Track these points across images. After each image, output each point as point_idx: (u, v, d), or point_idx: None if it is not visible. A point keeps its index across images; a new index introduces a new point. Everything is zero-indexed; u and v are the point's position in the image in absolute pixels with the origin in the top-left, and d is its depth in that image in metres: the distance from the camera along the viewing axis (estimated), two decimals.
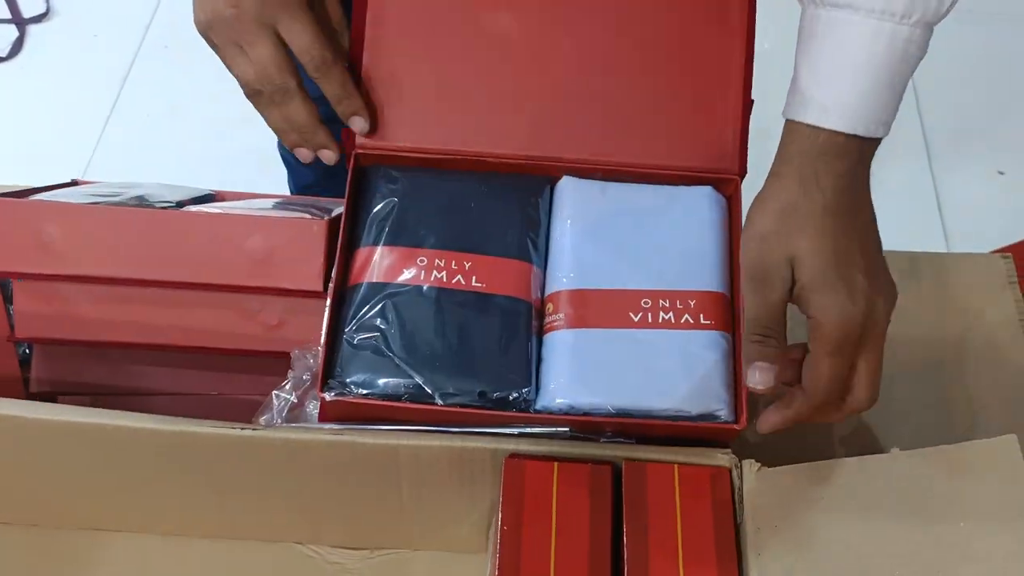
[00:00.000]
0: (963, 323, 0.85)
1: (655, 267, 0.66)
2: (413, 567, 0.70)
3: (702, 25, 0.70)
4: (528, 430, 0.62)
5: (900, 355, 0.81)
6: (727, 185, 0.70)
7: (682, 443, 0.62)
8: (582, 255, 0.67)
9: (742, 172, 0.69)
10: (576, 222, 0.68)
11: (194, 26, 0.65)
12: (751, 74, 0.70)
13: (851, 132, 0.57)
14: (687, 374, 0.63)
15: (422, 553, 0.71)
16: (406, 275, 0.65)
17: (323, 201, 0.85)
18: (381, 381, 0.62)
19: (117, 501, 0.70)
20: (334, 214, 0.74)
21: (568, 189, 0.69)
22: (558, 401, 0.62)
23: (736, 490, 0.60)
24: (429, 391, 0.62)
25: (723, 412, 0.62)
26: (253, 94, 0.66)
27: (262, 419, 0.68)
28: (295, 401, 0.68)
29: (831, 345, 0.56)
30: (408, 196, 0.68)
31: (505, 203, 0.69)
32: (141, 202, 0.78)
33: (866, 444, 0.78)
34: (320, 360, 0.63)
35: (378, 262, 0.66)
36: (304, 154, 0.70)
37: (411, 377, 0.62)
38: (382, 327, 0.63)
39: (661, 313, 0.64)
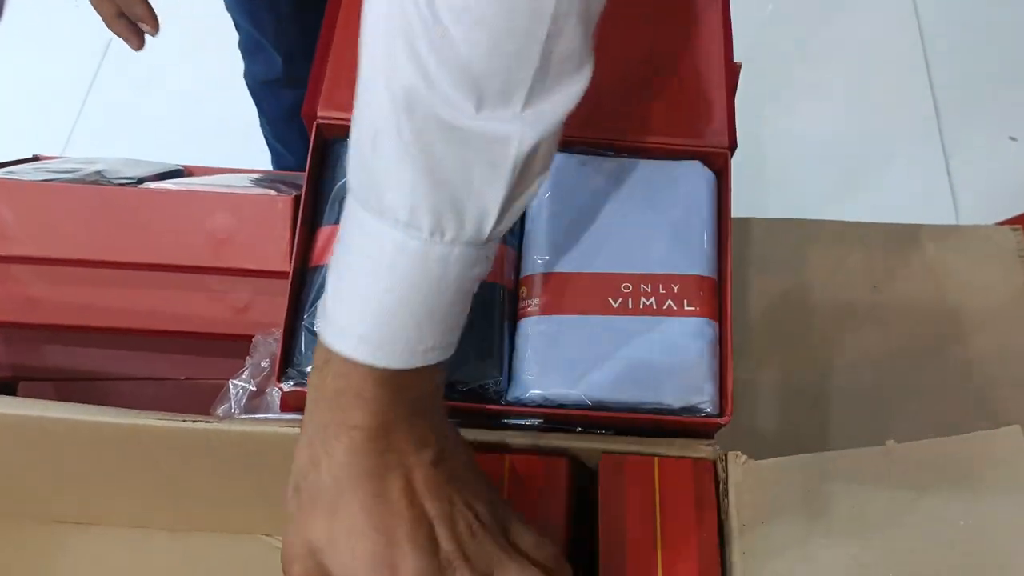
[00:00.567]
0: (969, 298, 0.81)
1: (637, 248, 0.62)
2: None
3: None
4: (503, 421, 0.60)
5: (901, 331, 0.80)
6: (716, 160, 0.65)
7: (663, 435, 0.59)
8: (558, 235, 0.62)
9: (732, 146, 0.65)
10: (553, 198, 0.63)
11: None
12: (731, 41, 0.66)
13: (371, 363, 0.44)
14: (669, 365, 0.59)
15: None
16: None
17: (293, 176, 0.82)
18: None
19: (76, 494, 0.67)
20: (302, 190, 0.70)
21: None
22: (531, 393, 0.59)
23: (721, 484, 0.56)
24: None
25: (707, 405, 0.58)
26: None
27: (219, 410, 0.66)
28: (254, 390, 0.66)
29: None
30: None
31: None
32: (99, 178, 0.75)
33: (864, 429, 0.75)
34: (278, 349, 0.59)
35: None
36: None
37: None
38: None
39: (642, 299, 0.60)
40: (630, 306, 0.60)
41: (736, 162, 0.65)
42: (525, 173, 0.43)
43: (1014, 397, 0.77)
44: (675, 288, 0.60)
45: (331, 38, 0.65)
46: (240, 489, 0.63)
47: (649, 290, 0.60)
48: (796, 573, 0.52)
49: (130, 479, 0.64)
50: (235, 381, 0.65)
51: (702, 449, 0.57)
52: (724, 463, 0.57)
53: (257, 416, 0.65)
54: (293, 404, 0.61)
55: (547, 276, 0.61)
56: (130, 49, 0.89)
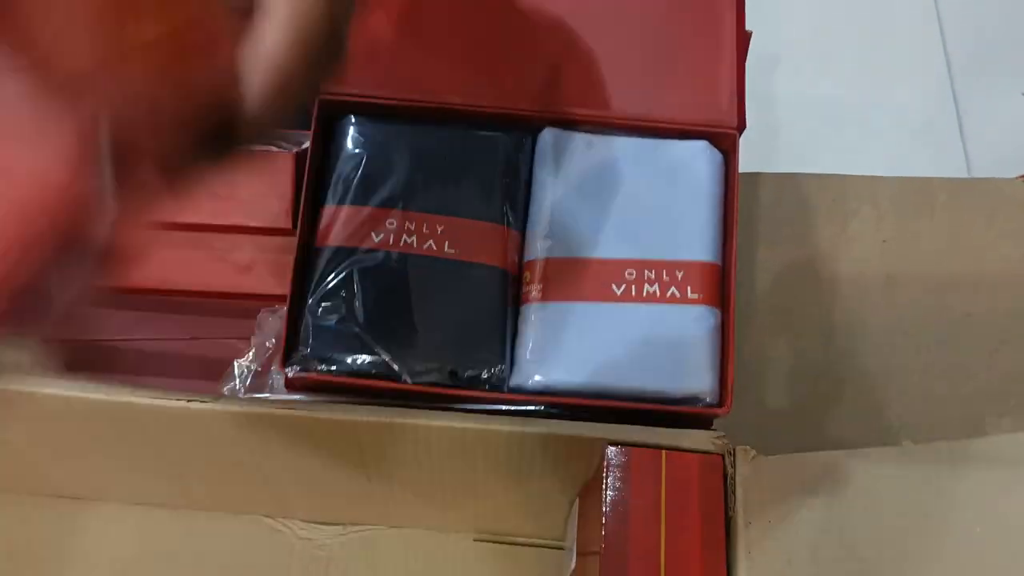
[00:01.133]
0: (983, 253, 0.79)
1: (643, 232, 0.61)
2: (389, 545, 0.67)
3: None
4: (500, 408, 0.58)
5: (912, 288, 0.78)
6: (724, 140, 0.63)
7: (663, 424, 0.58)
8: (563, 218, 0.61)
9: (740, 126, 0.62)
10: (558, 180, 0.62)
11: None
12: (744, 13, 0.64)
13: None
14: (671, 353, 0.58)
15: (400, 530, 0.67)
16: (373, 239, 0.60)
17: (292, 134, 0.76)
18: (346, 358, 0.58)
19: (73, 469, 0.67)
20: (303, 147, 0.69)
21: (550, 142, 0.63)
22: (532, 380, 0.58)
23: (728, 479, 0.55)
24: (397, 369, 0.58)
25: (707, 395, 0.58)
26: None
27: (225, 388, 0.65)
28: (259, 369, 0.65)
29: None
30: (377, 150, 0.62)
31: (483, 159, 0.63)
32: None
33: (873, 396, 0.74)
34: (282, 333, 0.59)
35: (344, 224, 0.61)
36: None
37: (377, 354, 0.58)
38: (347, 298, 0.59)
39: (646, 285, 0.59)
40: (633, 293, 0.59)
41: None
42: None
43: None
44: (679, 275, 0.59)
45: None
46: (239, 470, 0.63)
47: (653, 276, 0.59)
48: (803, 575, 0.51)
49: (128, 456, 0.63)
50: (240, 361, 0.65)
51: (711, 442, 0.55)
52: (732, 457, 0.55)
53: (260, 396, 0.63)
54: (298, 385, 0.60)
55: (550, 261, 0.60)
56: None
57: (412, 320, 0.59)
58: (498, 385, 0.59)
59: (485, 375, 0.58)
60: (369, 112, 0.63)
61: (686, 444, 0.55)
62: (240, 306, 0.75)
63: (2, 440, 0.64)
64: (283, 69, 0.37)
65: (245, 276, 0.71)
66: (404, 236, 0.60)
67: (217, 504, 0.67)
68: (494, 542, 0.68)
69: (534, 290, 0.60)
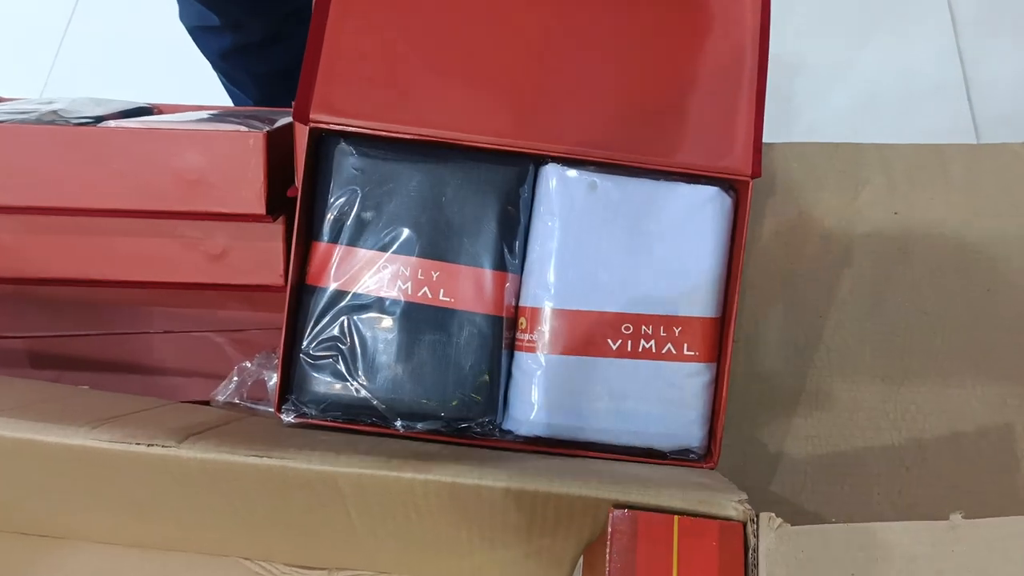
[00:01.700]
0: (998, 220, 0.77)
1: (643, 284, 0.60)
2: None
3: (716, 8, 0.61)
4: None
5: (925, 258, 0.75)
6: (736, 187, 0.61)
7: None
8: (564, 266, 0.60)
9: (755, 173, 0.59)
10: (560, 224, 0.60)
11: None
12: (767, 52, 0.61)
13: None
14: (663, 410, 0.59)
15: None
16: (368, 284, 0.59)
17: (265, 112, 0.77)
18: (339, 404, 0.58)
19: (38, 507, 0.62)
20: (276, 125, 0.67)
21: (554, 181, 0.60)
22: (523, 428, 0.59)
23: (750, 551, 0.49)
24: (389, 417, 0.58)
25: (697, 449, 0.59)
26: None
27: (220, 396, 0.65)
28: (236, 403, 0.63)
29: None
30: (372, 185, 0.60)
31: (482, 196, 0.60)
32: (55, 119, 0.67)
33: (887, 367, 0.72)
34: (277, 377, 0.59)
35: (337, 265, 0.59)
36: None
37: (370, 402, 0.58)
38: (341, 346, 0.58)
39: (642, 341, 0.59)
40: (629, 349, 0.59)
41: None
42: None
43: None
44: (676, 331, 0.59)
45: (322, 34, 0.60)
46: (212, 513, 0.58)
47: (650, 332, 0.59)
48: None
49: (92, 498, 0.59)
50: (218, 397, 0.65)
51: (729, 506, 0.50)
52: (755, 526, 0.49)
53: (255, 406, 0.65)
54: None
55: (547, 312, 0.59)
56: None
57: (406, 368, 0.58)
58: (489, 433, 0.59)
59: (477, 426, 0.58)
60: (363, 142, 0.60)
61: (702, 509, 0.50)
62: (213, 296, 0.73)
63: None
64: None
65: (218, 265, 0.68)
66: (399, 282, 0.58)
67: (192, 546, 0.63)
68: None
69: (529, 339, 0.59)
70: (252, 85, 1.17)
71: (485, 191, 0.60)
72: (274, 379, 0.65)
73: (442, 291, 0.58)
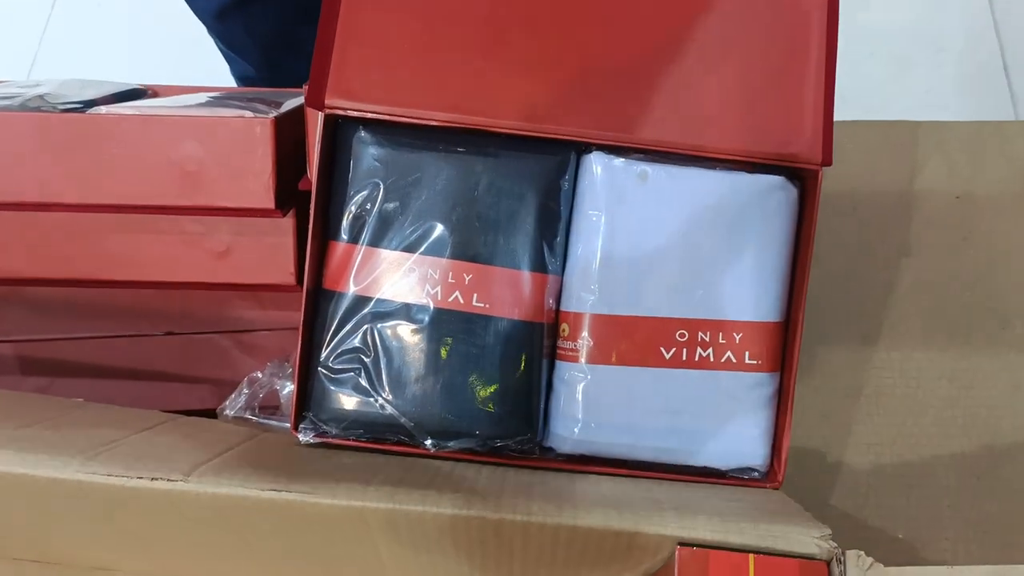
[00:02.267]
0: None
1: (700, 286, 0.54)
2: None
3: None
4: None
5: (992, 248, 0.69)
6: (804, 177, 0.55)
7: None
8: (611, 267, 0.54)
9: (825, 161, 0.54)
10: (606, 219, 0.54)
11: None
12: (836, 32, 0.55)
13: None
14: (721, 425, 0.54)
15: None
16: (392, 288, 0.53)
17: (270, 93, 0.71)
18: (363, 421, 0.53)
19: (28, 535, 0.56)
20: (284, 109, 0.62)
21: (598, 170, 0.54)
22: (567, 446, 0.54)
23: None
24: (417, 436, 0.53)
25: (759, 468, 0.54)
26: None
27: (229, 409, 0.62)
28: (245, 416, 0.57)
29: None
30: (395, 178, 0.54)
31: (518, 189, 0.54)
32: (41, 104, 0.61)
33: (953, 363, 0.66)
34: (294, 392, 0.53)
35: (358, 267, 0.54)
36: None
37: (398, 421, 0.53)
38: (364, 357, 0.53)
39: (699, 349, 0.53)
40: (684, 358, 0.53)
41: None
42: None
43: None
44: (737, 337, 0.54)
45: (337, 9, 0.54)
46: (223, 549, 0.52)
47: (708, 339, 0.54)
48: None
49: (87, 532, 0.53)
50: (226, 411, 0.61)
51: (811, 543, 0.44)
52: (842, 567, 0.44)
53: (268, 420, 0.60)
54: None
55: (594, 319, 0.54)
56: None
57: (435, 381, 0.53)
58: (529, 452, 0.54)
59: (515, 444, 0.53)
60: (385, 130, 0.54)
61: (780, 546, 0.44)
62: (217, 295, 0.68)
63: None
64: None
65: (222, 263, 0.64)
66: (427, 286, 0.53)
67: (197, 574, 0.56)
68: None
69: (572, 347, 0.54)
70: (253, 47, 1.10)
71: (521, 183, 0.54)
72: (287, 388, 0.61)
73: (475, 296, 0.53)
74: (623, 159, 0.54)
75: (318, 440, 0.53)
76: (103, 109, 0.63)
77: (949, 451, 0.64)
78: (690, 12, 0.54)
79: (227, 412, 0.60)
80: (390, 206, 0.53)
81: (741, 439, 0.54)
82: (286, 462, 0.50)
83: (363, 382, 0.52)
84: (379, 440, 0.53)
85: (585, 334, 0.53)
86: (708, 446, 0.54)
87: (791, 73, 0.54)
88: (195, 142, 0.59)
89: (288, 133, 0.61)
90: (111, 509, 0.49)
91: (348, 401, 0.53)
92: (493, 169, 0.54)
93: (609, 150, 0.54)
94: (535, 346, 0.53)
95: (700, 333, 0.53)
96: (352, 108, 0.53)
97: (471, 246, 0.53)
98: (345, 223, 0.54)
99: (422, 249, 0.53)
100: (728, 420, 0.54)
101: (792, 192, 0.54)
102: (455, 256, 0.53)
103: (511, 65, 0.54)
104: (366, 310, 0.53)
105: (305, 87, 0.54)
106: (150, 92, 0.75)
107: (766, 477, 0.55)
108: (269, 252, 0.63)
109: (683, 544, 0.45)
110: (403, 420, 0.52)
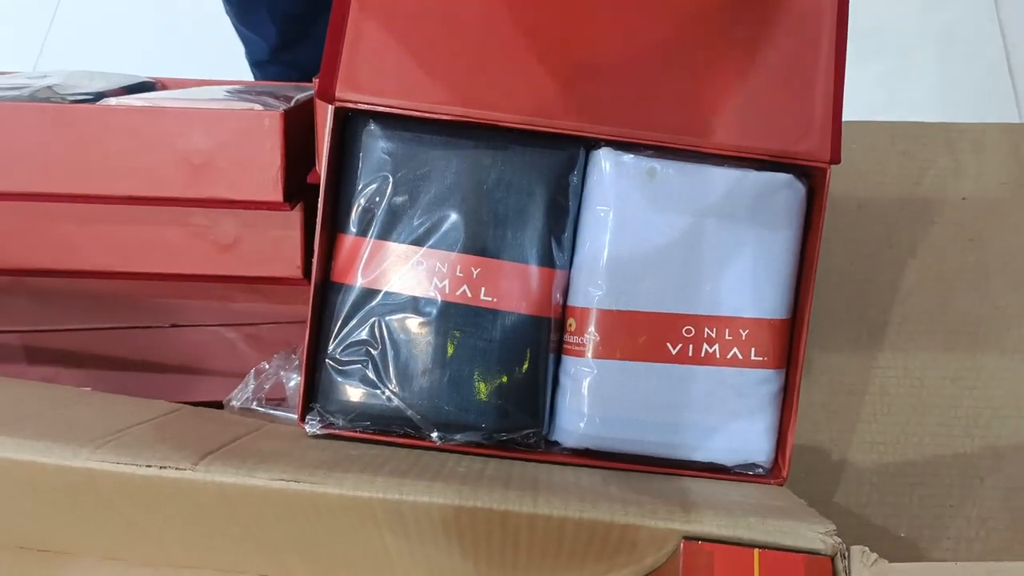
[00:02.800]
0: None
1: (706, 283, 0.54)
2: None
3: None
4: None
5: (1002, 252, 0.69)
6: (812, 174, 0.55)
7: None
8: (619, 262, 0.54)
9: (834, 159, 0.53)
10: (614, 215, 0.54)
11: None
12: (846, 27, 0.54)
13: None
14: (726, 421, 0.54)
15: None
16: (400, 282, 0.53)
17: (281, 88, 0.72)
18: (370, 413, 0.53)
19: (36, 524, 0.56)
20: (295, 102, 0.63)
21: (607, 166, 0.54)
22: (572, 440, 0.54)
23: None
24: (424, 428, 0.53)
25: (764, 464, 0.54)
26: None
27: (235, 400, 0.61)
28: (252, 408, 0.57)
29: None
30: (404, 171, 0.54)
31: (527, 184, 0.54)
32: (51, 95, 0.62)
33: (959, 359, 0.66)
34: (301, 383, 0.53)
35: (366, 260, 0.54)
36: None
37: (404, 413, 0.53)
38: (371, 350, 0.53)
39: (705, 345, 0.53)
40: (690, 353, 0.53)
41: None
42: None
43: None
44: (743, 334, 0.54)
45: (346, 10, 0.54)
46: (225, 534, 0.53)
47: (714, 335, 0.53)
48: None
49: (95, 519, 0.53)
50: (232, 402, 0.60)
51: (816, 538, 0.44)
52: (846, 562, 0.44)
53: (272, 412, 0.60)
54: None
55: (599, 313, 0.54)
56: None
57: (442, 374, 0.53)
58: (535, 446, 0.54)
59: (521, 437, 0.53)
60: (395, 123, 0.54)
61: (786, 542, 0.44)
62: (223, 288, 0.68)
63: None
64: None
65: (229, 255, 0.64)
66: (435, 280, 0.53)
67: (203, 563, 0.57)
68: None
69: (579, 342, 0.54)
70: (269, 22, 1.09)
71: (530, 178, 0.54)
72: (294, 380, 0.61)
73: (483, 290, 0.53)
74: (632, 155, 0.54)
75: (325, 431, 0.53)
76: (112, 101, 0.63)
77: (952, 451, 0.64)
78: (701, 9, 0.54)
79: (233, 403, 0.60)
80: (399, 199, 0.53)
81: (746, 435, 0.54)
82: (293, 453, 0.50)
83: (370, 374, 0.52)
84: (385, 432, 0.53)
85: (592, 329, 0.53)
86: (713, 442, 0.53)
87: (800, 70, 0.53)
88: (204, 134, 0.59)
89: (297, 127, 0.61)
90: (120, 497, 0.49)
91: (355, 393, 0.53)
92: (502, 163, 0.54)
93: (618, 146, 0.54)
94: (542, 340, 0.53)
95: (706, 329, 0.53)
96: (362, 101, 0.53)
97: (480, 240, 0.53)
98: (354, 216, 0.54)
99: (431, 243, 0.53)
100: (733, 416, 0.53)
101: (800, 189, 0.54)
102: (464, 250, 0.53)
103: (522, 60, 0.53)
104: (374, 303, 0.53)
105: (315, 80, 0.54)
106: (159, 85, 0.75)
107: (770, 473, 0.55)
108: (276, 245, 0.63)
109: (688, 538, 0.45)
110: (410, 412, 0.52)
